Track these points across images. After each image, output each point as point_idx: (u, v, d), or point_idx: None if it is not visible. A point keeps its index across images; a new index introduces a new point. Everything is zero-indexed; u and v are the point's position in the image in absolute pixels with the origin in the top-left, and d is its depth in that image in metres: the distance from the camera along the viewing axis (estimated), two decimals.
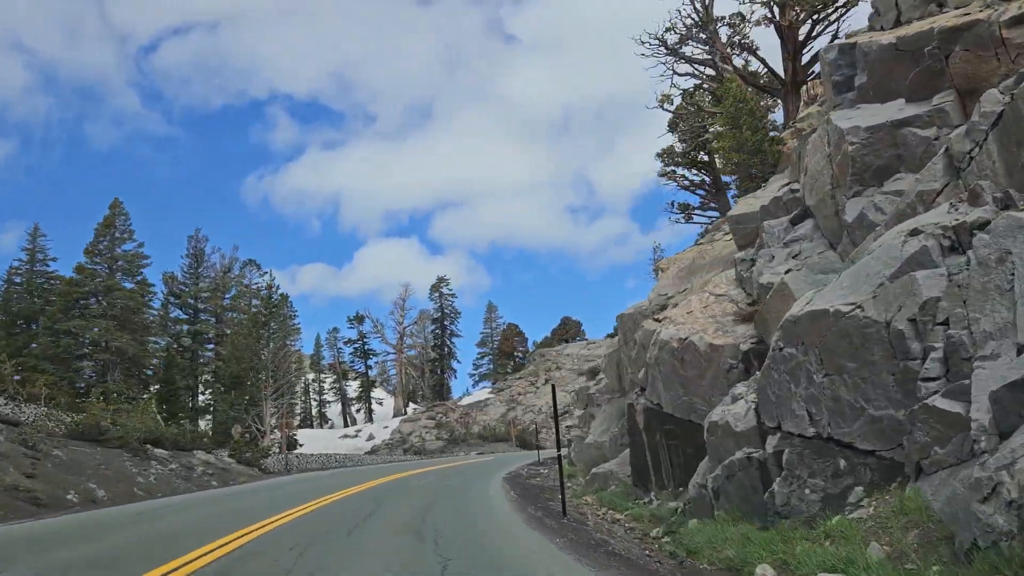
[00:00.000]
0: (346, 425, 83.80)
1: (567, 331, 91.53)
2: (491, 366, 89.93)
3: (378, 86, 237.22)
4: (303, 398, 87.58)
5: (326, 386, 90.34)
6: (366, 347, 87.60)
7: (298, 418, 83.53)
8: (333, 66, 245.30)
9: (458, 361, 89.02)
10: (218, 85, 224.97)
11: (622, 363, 18.78)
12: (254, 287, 63.34)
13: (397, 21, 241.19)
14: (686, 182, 30.51)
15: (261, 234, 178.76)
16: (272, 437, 54.20)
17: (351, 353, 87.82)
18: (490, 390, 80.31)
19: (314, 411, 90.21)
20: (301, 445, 64.70)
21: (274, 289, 52.15)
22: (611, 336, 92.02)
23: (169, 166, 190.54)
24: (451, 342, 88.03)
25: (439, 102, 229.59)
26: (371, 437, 73.26)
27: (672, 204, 31.51)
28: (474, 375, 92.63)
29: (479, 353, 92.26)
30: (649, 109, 39.27)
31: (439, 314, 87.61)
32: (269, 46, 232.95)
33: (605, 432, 19.68)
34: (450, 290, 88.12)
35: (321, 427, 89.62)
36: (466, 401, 78.63)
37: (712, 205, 30.18)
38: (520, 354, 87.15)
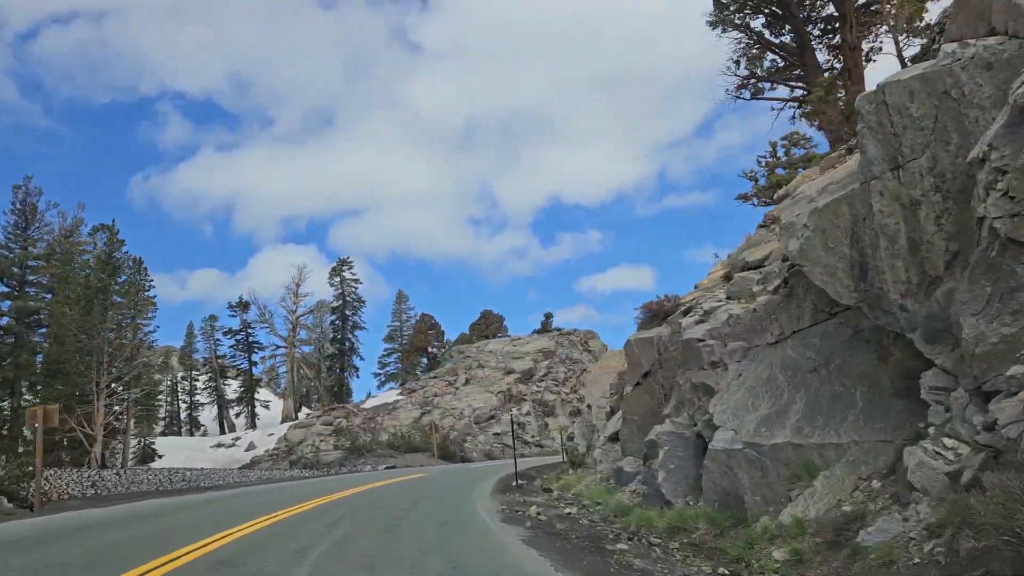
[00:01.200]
0: (223, 432, 69.97)
1: (487, 326, 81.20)
2: (400, 364, 78.26)
3: (277, 89, 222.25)
4: (169, 399, 72.97)
5: (199, 385, 75.92)
6: (251, 340, 74.19)
7: (161, 423, 68.96)
8: (229, 66, 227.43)
9: (361, 358, 77.11)
10: (103, 79, 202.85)
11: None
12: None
13: (298, 23, 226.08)
14: (753, 39, 20.57)
15: (147, 236, 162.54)
16: (114, 444, 40.90)
17: (232, 346, 74.20)
18: (400, 391, 68.76)
19: (183, 415, 75.47)
20: (159, 456, 51.13)
21: (117, 244, 38.98)
22: (540, 331, 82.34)
23: (48, 160, 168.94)
24: (354, 336, 75.89)
25: (341, 108, 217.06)
26: (252, 446, 60.17)
27: (738, 64, 20.49)
28: (380, 375, 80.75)
29: (386, 350, 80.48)
30: None
31: (340, 303, 75.23)
32: (160, 41, 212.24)
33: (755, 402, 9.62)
34: (353, 275, 75.96)
35: (192, 434, 75.07)
36: (371, 404, 66.73)
37: (796, 72, 20.42)
38: (436, 350, 76.00)
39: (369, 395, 72.73)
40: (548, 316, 79.05)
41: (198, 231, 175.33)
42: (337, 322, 75.66)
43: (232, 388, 74.13)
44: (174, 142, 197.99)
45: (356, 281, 76.03)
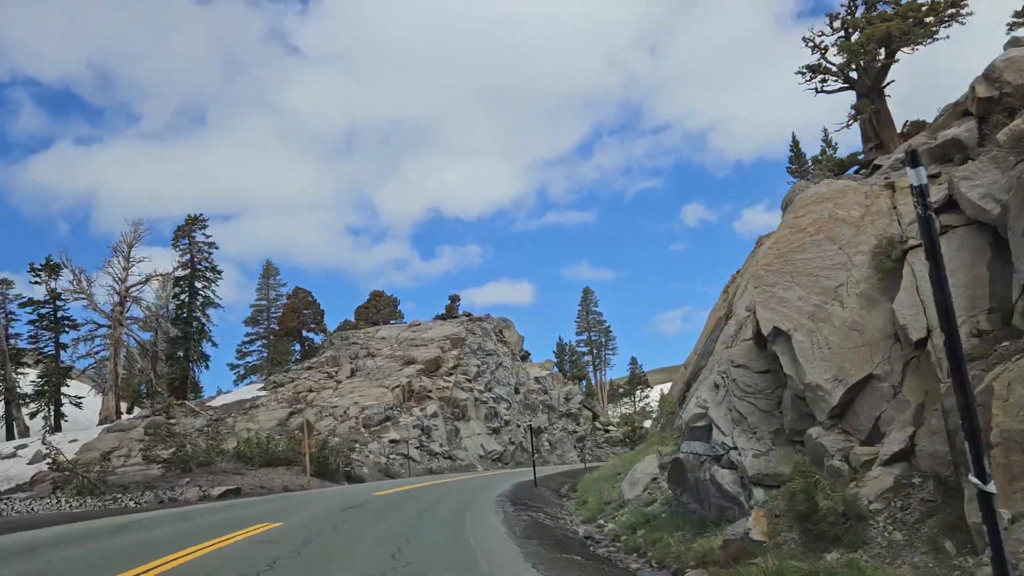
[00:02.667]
0: (9, 436, 51.31)
1: (379, 310, 66.50)
2: (267, 353, 61.96)
3: (145, 83, 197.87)
4: None
5: None
6: (60, 316, 55.78)
7: None
8: (92, 55, 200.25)
9: (214, 344, 60.18)
10: None
11: None
12: None
13: (168, 16, 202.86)
14: None
15: None
16: None
17: (32, 323, 55.46)
18: (262, 385, 52.91)
19: None
20: None
21: None
22: (445, 317, 68.42)
23: None
24: (205, 316, 59.01)
25: (215, 107, 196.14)
26: (40, 457, 42.54)
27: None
28: (239, 367, 63.99)
29: (248, 335, 63.89)
30: None
31: (188, 271, 58.18)
32: (14, 22, 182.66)
33: None
34: (207, 237, 59.07)
35: None
36: (221, 401, 50.53)
37: None
38: (313, 333, 60.43)
39: (220, 391, 56.16)
40: (454, 299, 65.44)
41: (51, 228, 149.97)
42: (183, 297, 58.56)
43: (30, 379, 55.29)
44: (25, 131, 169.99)
45: (211, 245, 59.22)
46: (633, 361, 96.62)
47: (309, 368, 53.11)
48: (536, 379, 63.64)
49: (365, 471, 32.94)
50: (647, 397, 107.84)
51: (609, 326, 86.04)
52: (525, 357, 68.31)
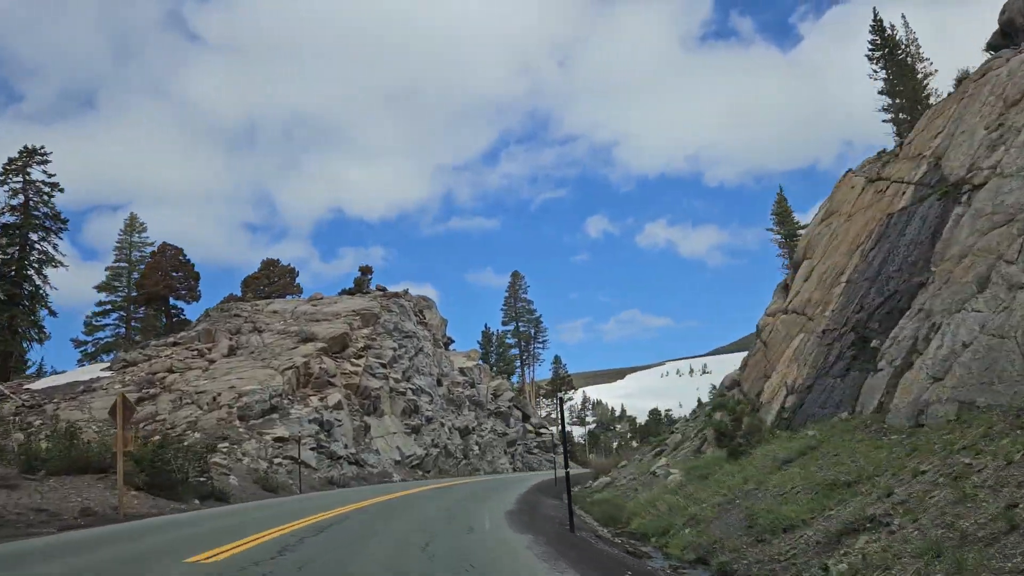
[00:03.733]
0: None
1: (271, 282, 54.78)
2: (123, 327, 49.08)
3: (27, 61, 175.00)
4: None
5: None
6: None
7: None
8: None
9: (52, 313, 46.82)
10: None
11: None
12: None
13: None
14: None
15: None
16: None
17: None
18: (108, 365, 40.61)
19: None
20: None
21: None
22: (354, 292, 57.10)
23: None
24: (41, 276, 45.73)
25: (106, 91, 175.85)
26: None
27: None
28: (88, 345, 50.62)
29: (101, 305, 50.64)
30: None
31: (20, 218, 44.84)
32: None
33: None
34: (50, 176, 45.81)
35: None
36: (47, 383, 38.01)
37: None
38: (186, 300, 48.04)
39: (43, 370, 43.43)
40: (365, 271, 54.61)
41: None
42: (13, 251, 45.19)
43: None
44: None
45: (53, 187, 45.95)
46: (557, 360, 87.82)
47: (175, 344, 41.13)
48: (462, 370, 53.69)
49: (233, 482, 22.13)
50: (571, 399, 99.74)
51: (540, 316, 76.83)
52: (448, 344, 58.27)
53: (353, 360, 39.41)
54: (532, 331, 75.79)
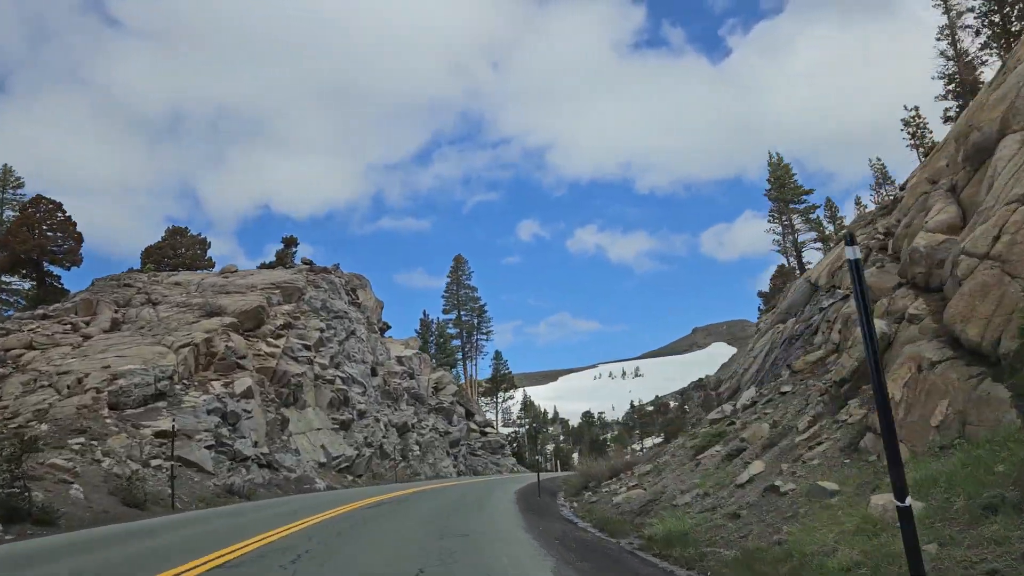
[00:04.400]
0: None
1: (177, 251, 46.67)
2: None
3: None
4: None
5: None
6: None
7: None
8: None
9: None
10: None
11: None
12: None
13: None
14: None
15: None
16: None
17: None
18: None
19: None
20: None
21: None
22: (275, 265, 49.15)
23: None
24: None
25: (17, 74, 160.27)
26: None
27: None
28: None
29: None
30: None
31: None
32: None
33: None
34: None
35: None
36: None
37: None
38: (63, 265, 39.47)
39: None
40: (289, 242, 47.20)
41: None
42: None
43: None
44: None
45: None
46: (497, 356, 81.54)
47: (45, 317, 32.98)
48: (399, 359, 46.89)
49: (77, 494, 15.04)
50: (511, 398, 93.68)
51: (484, 304, 70.22)
52: (384, 331, 51.31)
53: (270, 340, 32.25)
54: (476, 320, 69.19)
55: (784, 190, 41.35)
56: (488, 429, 54.87)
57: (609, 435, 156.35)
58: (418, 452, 39.74)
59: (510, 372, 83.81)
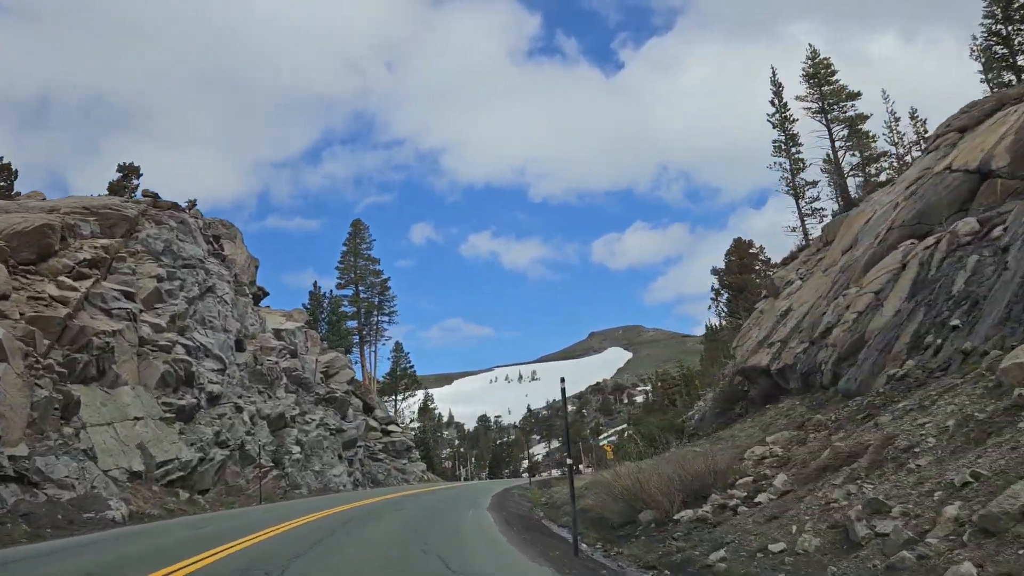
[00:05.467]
0: None
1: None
2: None
3: None
4: None
5: None
6: None
7: None
8: None
9: None
10: None
11: None
12: None
13: None
14: None
15: None
16: None
17: None
18: None
19: None
20: None
21: None
22: (108, 196, 36.24)
23: None
24: None
25: None
26: None
27: None
28: None
29: None
30: None
31: None
32: None
33: None
34: None
35: None
36: None
37: None
38: None
39: None
40: (130, 171, 34.90)
41: None
42: None
43: None
44: None
45: None
46: (398, 348, 70.30)
47: None
48: (278, 333, 35.49)
49: None
50: (412, 395, 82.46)
51: (388, 278, 58.95)
52: (260, 298, 39.60)
53: (64, 279, 20.50)
54: (377, 299, 57.93)
55: (823, 92, 32.92)
56: (392, 427, 44.14)
57: (506, 439, 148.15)
58: (299, 455, 28.58)
59: (413, 368, 72.78)
